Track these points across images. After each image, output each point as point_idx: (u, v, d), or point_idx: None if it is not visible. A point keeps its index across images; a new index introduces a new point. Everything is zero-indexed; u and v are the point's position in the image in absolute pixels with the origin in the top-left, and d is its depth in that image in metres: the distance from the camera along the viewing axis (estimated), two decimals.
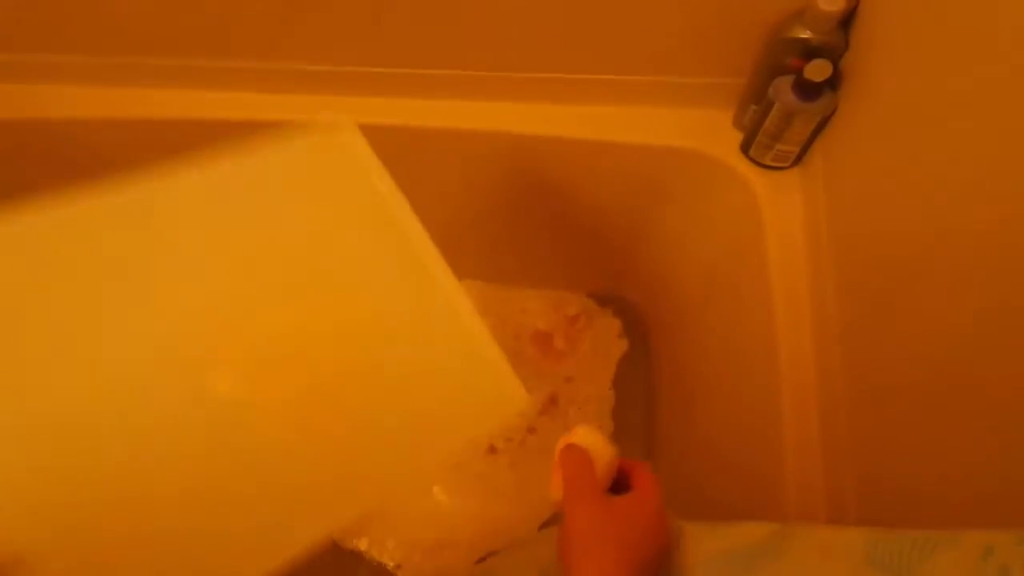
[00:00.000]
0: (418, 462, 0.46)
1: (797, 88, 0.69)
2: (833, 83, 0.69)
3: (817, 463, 0.66)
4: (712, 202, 0.84)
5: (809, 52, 0.67)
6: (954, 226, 0.51)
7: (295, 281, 0.47)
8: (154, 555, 0.38)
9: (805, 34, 0.67)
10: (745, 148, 0.79)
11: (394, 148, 0.85)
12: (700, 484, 0.86)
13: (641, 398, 1.13)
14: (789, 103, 0.70)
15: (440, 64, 0.80)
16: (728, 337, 0.83)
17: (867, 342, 0.63)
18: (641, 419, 1.11)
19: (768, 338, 0.72)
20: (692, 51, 0.76)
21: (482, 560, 0.98)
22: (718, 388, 0.85)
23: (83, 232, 0.42)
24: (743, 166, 0.80)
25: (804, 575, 0.36)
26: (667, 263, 0.97)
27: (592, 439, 0.48)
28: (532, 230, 1.00)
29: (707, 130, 0.82)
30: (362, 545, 1.04)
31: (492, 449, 1.09)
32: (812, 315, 0.71)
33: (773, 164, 0.78)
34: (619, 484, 0.49)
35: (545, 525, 1.04)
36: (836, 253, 0.70)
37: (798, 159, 0.78)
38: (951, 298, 0.52)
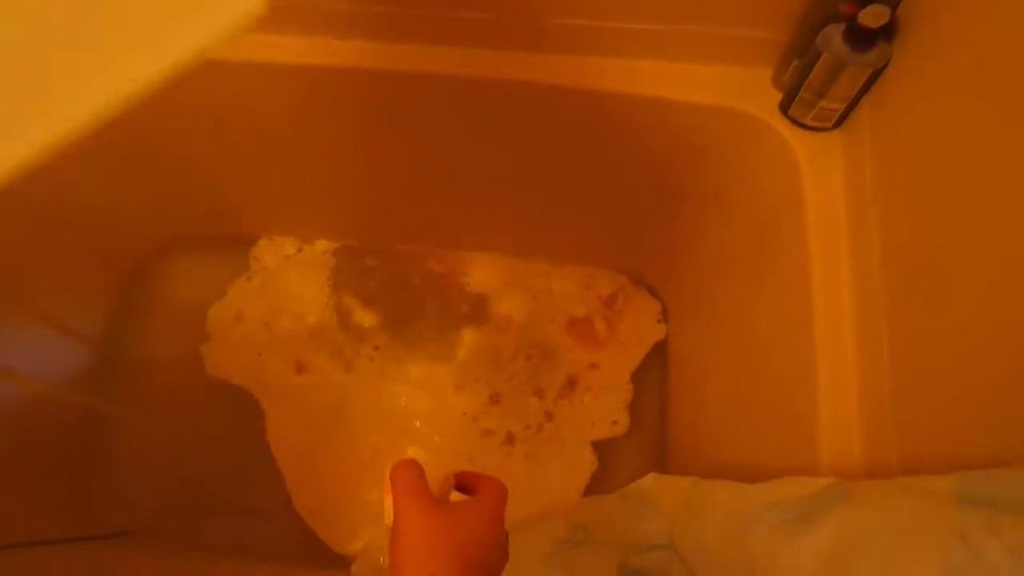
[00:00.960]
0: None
1: (849, 36, 0.65)
2: (888, 32, 0.65)
3: (856, 442, 0.61)
4: (749, 164, 0.80)
5: None
6: (1019, 193, 0.47)
7: None
8: None
9: None
10: (785, 107, 0.75)
11: (409, 96, 0.82)
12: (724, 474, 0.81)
13: (660, 389, 1.08)
14: (839, 53, 0.66)
15: (466, 6, 0.75)
16: (760, 309, 0.79)
17: (915, 312, 0.59)
18: (657, 416, 1.06)
19: (805, 308, 0.68)
20: None
21: None
22: (747, 365, 0.81)
23: None
24: (782, 126, 0.75)
25: (885, 511, 0.31)
26: (698, 231, 0.93)
27: (423, 456, 0.48)
28: (558, 194, 0.96)
29: (745, 87, 0.77)
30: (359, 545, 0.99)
31: (509, 439, 1.04)
32: (852, 284, 0.67)
33: (814, 124, 0.74)
34: (465, 493, 0.48)
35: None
36: (882, 219, 0.66)
37: (841, 119, 0.73)
38: (1009, 269, 0.47)
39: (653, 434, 1.05)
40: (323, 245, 1.15)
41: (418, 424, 1.05)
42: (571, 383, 1.08)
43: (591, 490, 1.00)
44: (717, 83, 0.78)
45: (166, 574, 0.77)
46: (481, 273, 1.13)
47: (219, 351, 1.08)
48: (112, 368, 1.05)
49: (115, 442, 1.03)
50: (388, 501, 0.45)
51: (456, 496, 0.48)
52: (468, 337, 1.10)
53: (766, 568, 0.35)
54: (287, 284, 1.12)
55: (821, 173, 0.73)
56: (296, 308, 1.11)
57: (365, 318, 1.11)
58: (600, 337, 1.11)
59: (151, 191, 1.03)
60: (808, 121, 0.74)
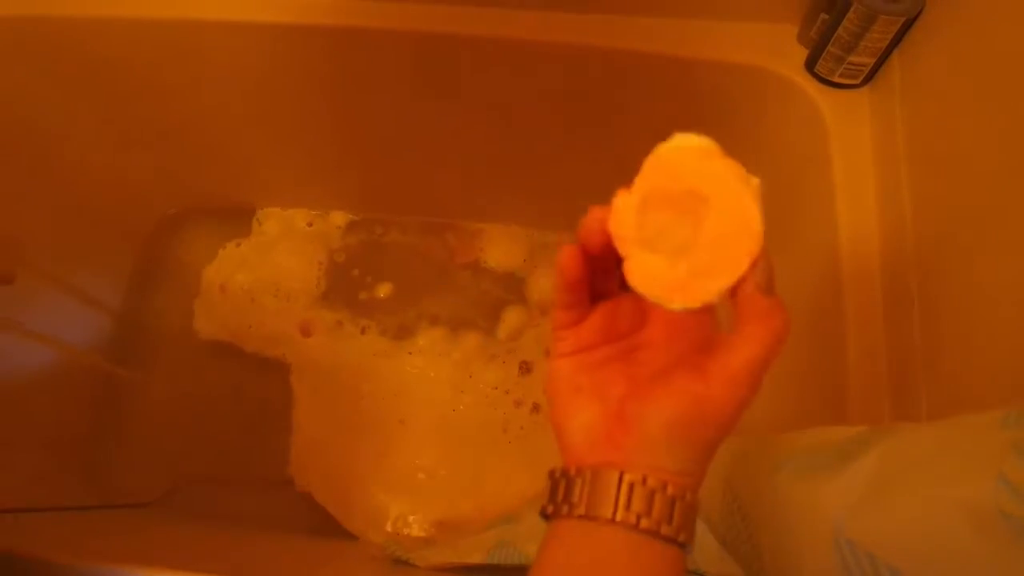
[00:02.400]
0: None
1: None
2: None
3: (885, 405, 0.59)
4: (774, 124, 0.77)
5: None
6: None
7: None
8: None
9: None
10: (811, 64, 0.73)
11: (419, 58, 0.80)
12: None
13: None
14: (870, 3, 0.63)
15: None
16: (784, 272, 0.76)
17: (947, 270, 0.57)
18: None
19: (832, 269, 0.66)
20: None
21: None
22: None
23: None
24: (808, 84, 0.73)
25: (930, 438, 0.29)
26: None
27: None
28: (573, 159, 0.94)
29: (769, 44, 0.75)
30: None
31: (535, 408, 1.03)
32: (881, 244, 0.65)
33: (842, 81, 0.71)
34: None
35: None
36: (912, 177, 0.64)
37: (870, 75, 0.71)
38: None
39: None
40: (338, 218, 1.14)
41: (442, 397, 1.05)
42: None
43: None
44: (740, 40, 0.75)
45: (181, 545, 0.77)
46: (502, 244, 1.11)
47: (210, 314, 1.08)
48: (130, 337, 1.05)
49: (133, 412, 1.03)
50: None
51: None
52: (489, 306, 1.09)
53: (794, 514, 0.33)
54: (291, 255, 1.11)
55: (849, 131, 0.71)
56: (298, 278, 1.10)
57: (380, 290, 1.10)
58: None
59: (165, 161, 1.02)
60: (836, 78, 0.71)
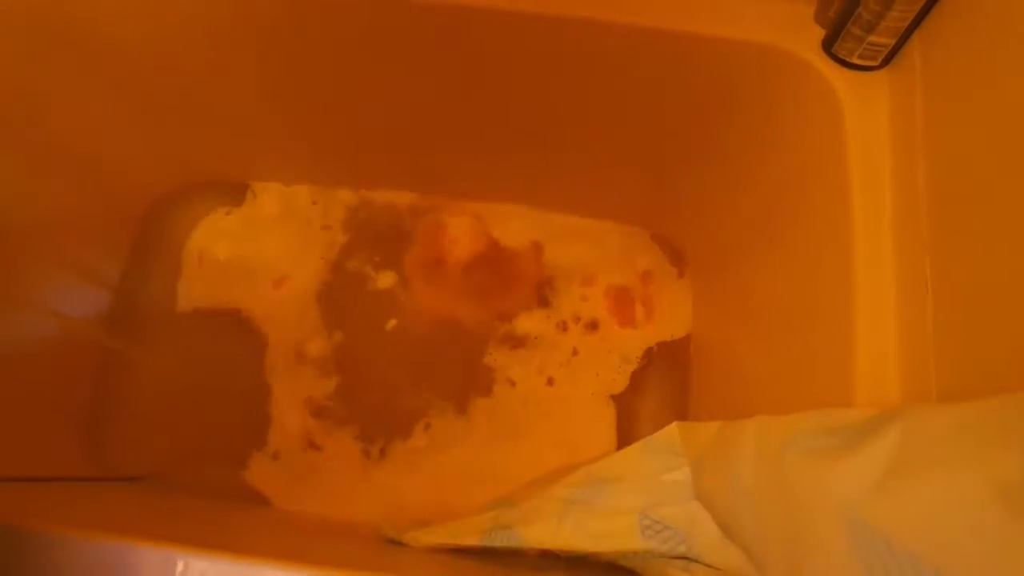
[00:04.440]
0: None
1: None
2: None
3: (894, 391, 0.57)
4: (788, 105, 0.75)
5: None
6: None
7: None
8: None
9: None
10: (828, 44, 0.71)
11: (425, 31, 0.78)
12: None
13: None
14: None
15: None
16: (796, 257, 0.75)
17: (962, 256, 0.55)
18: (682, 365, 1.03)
19: (845, 256, 0.64)
20: None
21: None
22: (780, 316, 0.77)
23: None
24: (825, 65, 0.71)
25: (956, 414, 0.28)
26: (729, 179, 0.89)
27: None
28: (577, 141, 0.92)
29: (784, 23, 0.73)
30: None
31: (550, 381, 1.02)
32: (895, 229, 0.64)
33: (860, 63, 0.69)
34: None
35: None
36: (930, 161, 0.62)
37: (890, 56, 0.69)
38: None
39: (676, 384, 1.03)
40: (344, 195, 1.12)
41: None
42: (593, 327, 1.06)
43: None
44: (754, 18, 0.73)
45: (173, 518, 0.76)
46: (514, 224, 1.10)
47: (201, 286, 1.07)
48: (128, 311, 1.04)
49: (129, 386, 1.02)
50: None
51: None
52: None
53: (808, 495, 0.32)
54: (290, 231, 1.10)
55: (865, 114, 0.69)
56: (295, 257, 1.08)
57: (383, 279, 1.08)
58: (637, 319, 1.08)
59: (163, 136, 1.01)
60: (855, 59, 0.69)
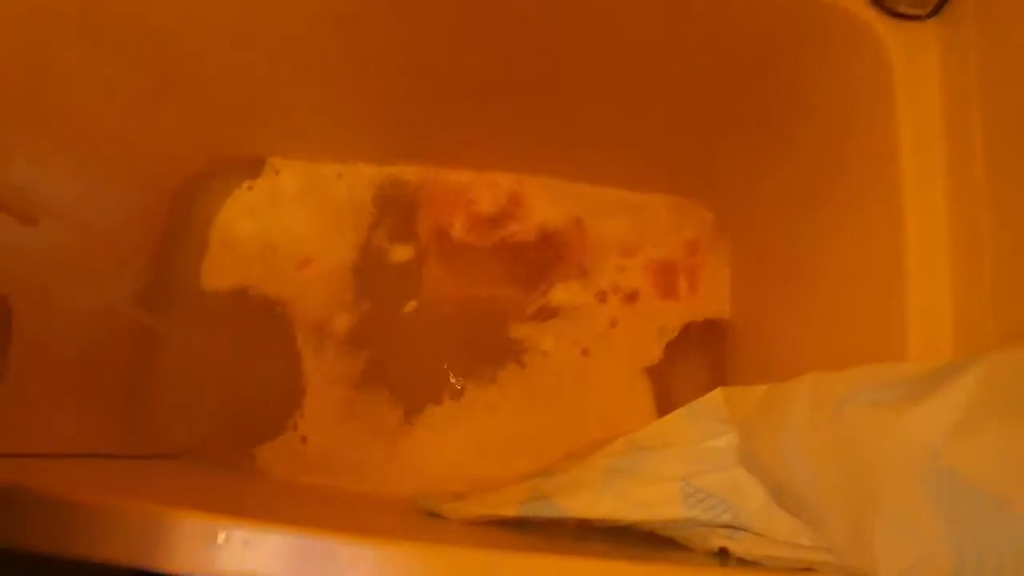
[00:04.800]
0: None
1: None
2: None
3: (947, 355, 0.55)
4: (830, 60, 0.72)
5: None
6: None
7: None
8: None
9: None
10: None
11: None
12: None
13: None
14: None
15: None
16: (843, 222, 0.72)
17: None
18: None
19: (895, 207, 0.62)
20: None
21: None
22: (827, 280, 0.75)
23: None
24: (870, 16, 0.68)
25: None
26: (770, 140, 0.86)
27: None
28: (611, 107, 0.90)
29: None
30: None
31: (585, 352, 1.00)
32: (947, 190, 0.61)
33: (909, 11, 0.66)
34: None
35: None
36: (985, 114, 0.59)
37: (940, 5, 0.65)
38: None
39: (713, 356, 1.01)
40: (368, 170, 1.11)
41: None
42: (632, 297, 1.05)
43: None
44: None
45: (215, 491, 0.76)
46: (542, 198, 1.08)
47: (230, 262, 1.07)
48: (161, 291, 1.04)
49: (166, 366, 1.03)
50: None
51: None
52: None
53: (874, 446, 0.30)
54: (315, 208, 1.09)
55: (915, 67, 0.66)
56: (321, 234, 1.08)
57: (406, 252, 1.07)
58: (679, 293, 1.06)
59: (192, 112, 1.00)
60: (903, 8, 0.66)
